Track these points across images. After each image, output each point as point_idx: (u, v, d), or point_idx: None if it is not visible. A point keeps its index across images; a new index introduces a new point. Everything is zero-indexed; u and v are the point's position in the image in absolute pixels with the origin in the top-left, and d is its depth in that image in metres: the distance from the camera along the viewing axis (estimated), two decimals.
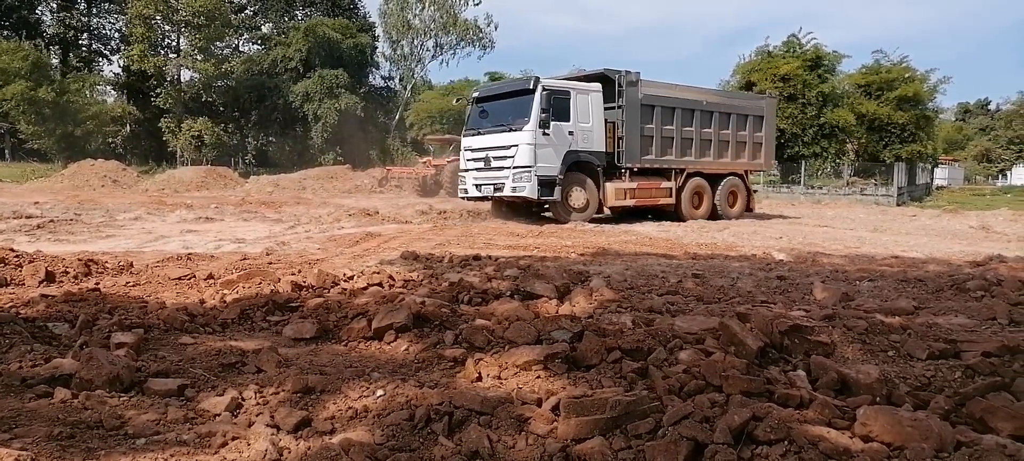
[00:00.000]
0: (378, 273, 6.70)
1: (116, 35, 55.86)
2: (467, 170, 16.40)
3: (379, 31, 57.96)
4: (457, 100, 17.91)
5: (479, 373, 3.71)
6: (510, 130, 15.18)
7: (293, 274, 6.65)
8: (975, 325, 5.04)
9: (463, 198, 17.01)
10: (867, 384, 3.36)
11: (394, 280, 6.52)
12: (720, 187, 18.31)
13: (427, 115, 50.01)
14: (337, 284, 6.16)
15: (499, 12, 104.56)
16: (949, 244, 13.02)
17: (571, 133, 15.40)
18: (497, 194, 15.66)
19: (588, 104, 15.79)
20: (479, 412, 3.09)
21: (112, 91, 55.33)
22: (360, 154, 49.87)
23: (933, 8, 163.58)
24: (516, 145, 14.96)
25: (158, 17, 47.48)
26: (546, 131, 14.91)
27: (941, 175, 55.75)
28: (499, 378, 3.63)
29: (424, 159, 31.40)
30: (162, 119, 48.42)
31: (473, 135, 16.37)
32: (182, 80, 51.54)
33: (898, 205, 31.24)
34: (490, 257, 8.72)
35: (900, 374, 3.79)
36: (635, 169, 16.54)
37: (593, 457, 2.72)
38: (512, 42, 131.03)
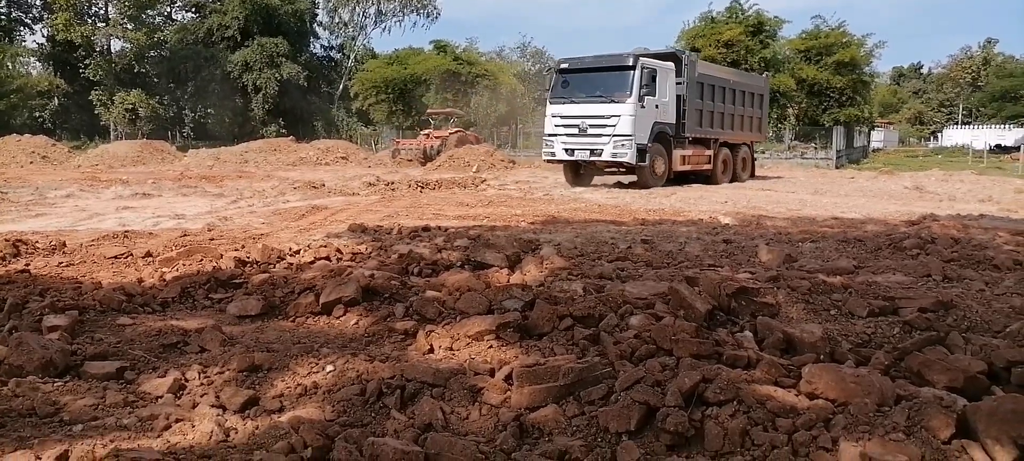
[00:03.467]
0: (325, 247, 6.57)
1: (38, 3, 52.98)
2: (555, 135, 17.65)
3: None
4: (546, 70, 19.31)
5: (431, 345, 3.68)
6: (610, 101, 16.60)
7: (236, 250, 6.46)
8: (912, 282, 5.23)
9: (548, 160, 18.50)
10: (811, 342, 3.44)
11: (342, 253, 6.41)
12: (737, 155, 20.90)
13: (371, 85, 48.96)
14: (283, 259, 6.02)
15: None
16: (885, 205, 13.47)
17: (657, 106, 17.10)
18: (594, 158, 17.08)
19: (667, 81, 17.50)
20: (432, 384, 3.06)
21: (37, 62, 52.64)
22: (304, 125, 48.81)
23: None
24: (619, 115, 16.43)
25: None
26: (643, 104, 16.56)
27: (877, 138, 57.50)
28: (451, 349, 3.60)
29: (425, 131, 32.53)
30: (93, 92, 46.34)
31: (563, 103, 17.60)
32: (113, 50, 49.34)
33: (837, 168, 32.14)
34: (440, 228, 8.65)
35: (842, 332, 3.90)
36: (689, 139, 18.47)
37: (547, 425, 2.72)
38: (456, 10, 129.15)
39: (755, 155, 23.03)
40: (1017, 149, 38.51)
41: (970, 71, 69.46)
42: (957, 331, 3.71)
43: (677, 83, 17.91)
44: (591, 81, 17.30)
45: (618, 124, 16.47)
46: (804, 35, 41.84)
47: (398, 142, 33.67)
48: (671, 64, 17.87)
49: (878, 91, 58.44)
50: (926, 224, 8.93)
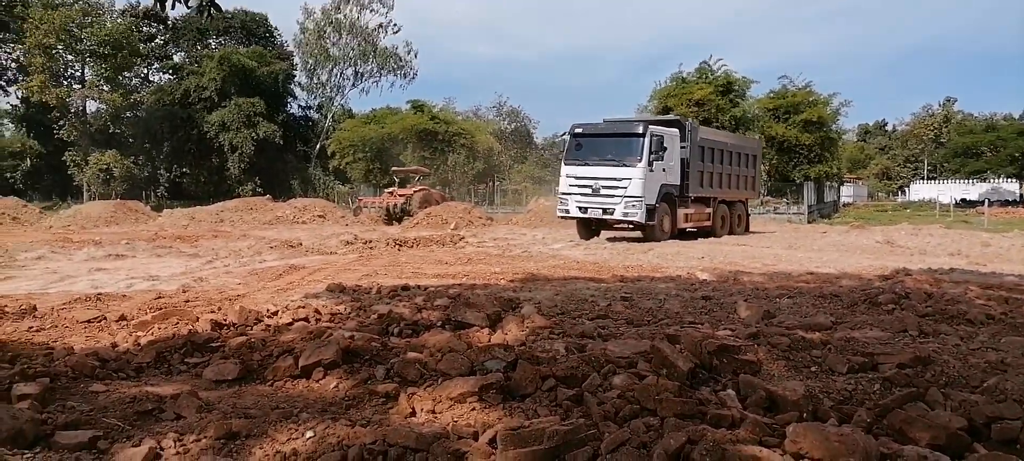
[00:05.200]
0: (303, 307, 6.50)
1: (13, 65, 52.76)
2: (569, 194, 19.02)
3: (296, 60, 57.03)
4: (558, 136, 20.95)
5: (413, 408, 3.63)
6: (621, 165, 17.98)
7: (212, 312, 6.37)
8: (889, 337, 5.29)
9: (562, 216, 19.73)
10: (794, 400, 3.45)
11: (321, 314, 6.34)
12: (734, 211, 22.57)
13: (349, 144, 49.16)
14: (260, 321, 5.94)
15: (418, 40, 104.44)
16: (858, 259, 13.68)
17: (664, 170, 18.57)
18: (606, 216, 18.49)
19: (673, 146, 18.90)
20: (414, 449, 3.01)
21: (10, 124, 52.18)
22: (280, 184, 48.66)
23: (832, 35, 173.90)
24: (630, 178, 17.85)
25: (60, 47, 45.06)
26: (651, 168, 17.98)
27: (847, 192, 58.78)
28: (433, 412, 3.56)
29: (389, 189, 32.35)
30: (66, 152, 45.95)
31: (577, 165, 19.00)
32: (88, 111, 49.13)
33: (809, 222, 32.68)
34: (419, 287, 8.62)
35: (823, 389, 3.92)
36: (692, 198, 20.03)
37: None
38: (433, 70, 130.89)
39: (749, 212, 24.88)
40: (982, 203, 39.48)
41: (932, 128, 71.64)
42: (936, 387, 3.75)
43: (681, 147, 19.41)
44: (603, 145, 18.72)
45: (629, 186, 17.86)
46: (772, 94, 42.93)
47: (361, 200, 33.47)
48: (676, 130, 19.41)
49: (846, 148, 59.86)
50: (899, 278, 9.08)
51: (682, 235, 19.72)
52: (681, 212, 19.54)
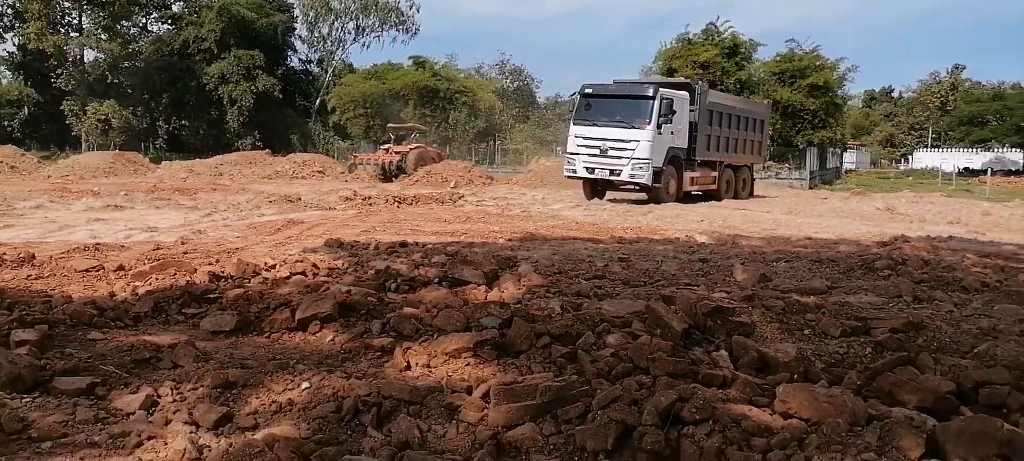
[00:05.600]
0: (301, 262, 6.53)
1: (9, 11, 52.08)
2: (577, 154, 19.02)
3: (297, 12, 56.30)
4: (571, 94, 20.46)
5: (408, 362, 3.67)
6: (630, 127, 17.99)
7: (210, 264, 6.39)
8: (883, 303, 5.32)
9: (569, 176, 19.74)
10: (785, 362, 3.49)
11: (318, 269, 6.36)
12: (739, 176, 22.65)
13: (350, 99, 48.74)
14: (258, 274, 5.96)
15: None
16: (858, 225, 13.69)
17: (672, 133, 18.61)
18: (612, 177, 18.63)
19: (682, 109, 18.98)
20: (408, 402, 3.05)
21: (7, 71, 51.68)
22: (280, 138, 48.45)
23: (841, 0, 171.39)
24: (638, 140, 17.88)
25: None
26: (660, 131, 18.03)
27: (850, 159, 58.54)
28: (428, 367, 3.59)
29: (385, 146, 31.61)
30: (64, 102, 45.52)
31: (586, 125, 18.92)
32: (86, 61, 48.58)
33: (810, 188, 32.61)
34: (417, 244, 8.63)
35: (816, 351, 3.96)
36: (699, 161, 20.05)
37: (524, 444, 2.72)
38: (435, 26, 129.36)
39: (754, 176, 25.04)
40: (985, 172, 39.37)
41: (939, 96, 71.06)
42: (927, 352, 3.78)
43: (690, 110, 19.46)
44: (613, 106, 18.78)
45: (637, 148, 17.94)
46: (778, 58, 42.47)
47: (355, 156, 32.72)
48: (686, 93, 19.48)
49: (850, 114, 59.49)
50: (897, 245, 9.09)
51: (687, 198, 19.78)
52: (687, 175, 19.61)
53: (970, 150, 59.59)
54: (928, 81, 75.13)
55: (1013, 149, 57.90)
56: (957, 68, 73.85)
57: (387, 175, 28.28)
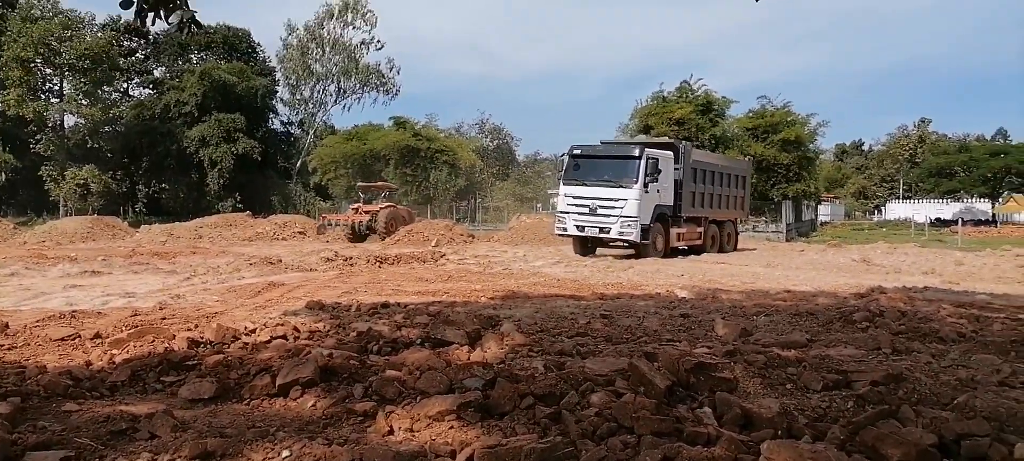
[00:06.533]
0: (282, 325, 6.47)
1: None
2: (567, 212, 19.64)
3: (279, 75, 56.92)
4: (562, 155, 20.87)
5: (391, 426, 3.62)
6: (618, 185, 18.67)
7: (189, 329, 6.32)
8: (863, 355, 5.36)
9: (560, 234, 20.45)
10: (768, 418, 3.49)
11: (299, 332, 6.31)
12: (723, 230, 23.35)
13: (331, 160, 49.07)
14: (238, 338, 5.89)
15: (402, 57, 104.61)
16: (835, 277, 13.85)
17: (659, 191, 19.25)
18: (602, 234, 19.15)
19: (667, 168, 19.56)
20: None
21: None
22: (261, 200, 48.33)
23: (810, 56, 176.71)
24: (626, 199, 18.53)
25: (38, 60, 44.56)
26: (647, 190, 18.65)
27: (824, 211, 59.53)
28: (412, 431, 3.55)
29: (354, 206, 31.28)
30: (43, 167, 45.28)
31: (575, 185, 19.61)
32: (66, 126, 48.57)
33: (787, 240, 33.05)
34: (399, 304, 8.60)
35: (798, 406, 3.97)
36: (685, 217, 20.70)
37: None
38: (415, 87, 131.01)
39: (738, 230, 25.83)
40: (955, 222, 40.14)
41: (907, 148, 72.81)
42: (908, 404, 3.81)
43: (675, 169, 20.14)
44: (601, 166, 19.48)
45: (625, 207, 18.58)
46: (751, 114, 43.51)
47: (324, 217, 31.90)
48: (670, 153, 20.22)
49: (823, 167, 60.65)
50: (874, 296, 9.21)
51: (674, 252, 20.35)
52: (674, 231, 20.17)
53: (940, 200, 60.81)
54: (896, 134, 77.12)
55: (981, 199, 59.18)
56: (924, 121, 75.99)
57: (357, 235, 27.95)
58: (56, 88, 48.49)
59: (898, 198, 68.53)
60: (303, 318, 7.38)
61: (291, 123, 60.27)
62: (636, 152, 19.00)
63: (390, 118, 53.65)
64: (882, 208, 69.23)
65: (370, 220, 28.55)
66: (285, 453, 3.24)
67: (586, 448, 3.04)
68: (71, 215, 37.99)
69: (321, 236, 28.65)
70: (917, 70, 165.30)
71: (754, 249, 24.43)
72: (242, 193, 48.01)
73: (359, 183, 35.89)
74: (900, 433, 3.18)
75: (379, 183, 35.98)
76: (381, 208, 29.34)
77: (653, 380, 3.96)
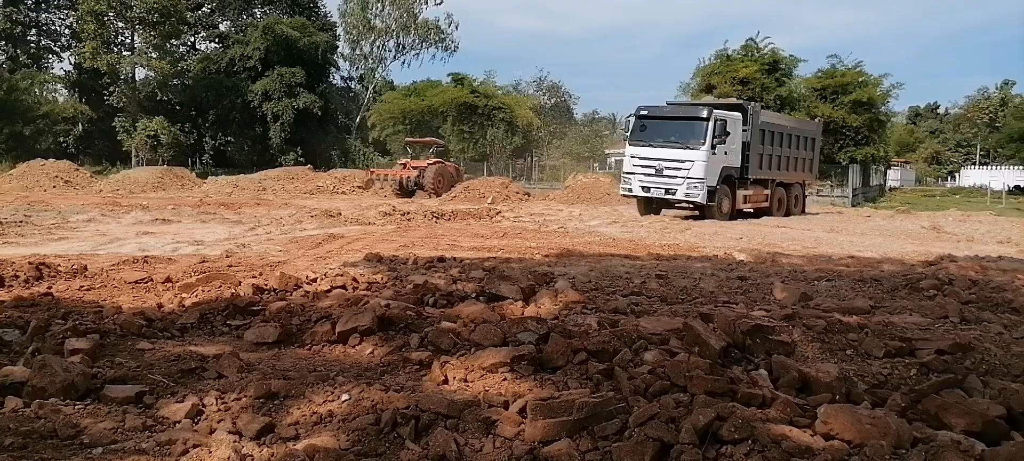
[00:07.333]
0: (341, 275, 6.63)
1: (66, 32, 54.05)
2: (632, 173, 19.65)
3: (339, 31, 57.43)
4: (628, 115, 21.13)
5: (445, 376, 3.70)
6: (685, 147, 18.52)
7: (254, 277, 6.54)
8: (929, 323, 5.19)
9: (625, 195, 20.60)
10: (827, 382, 3.43)
11: (358, 283, 6.46)
12: (791, 193, 22.93)
13: (389, 116, 49.47)
14: (300, 287, 6.07)
15: (460, 13, 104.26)
16: (902, 244, 13.38)
17: (726, 153, 19.07)
18: (668, 196, 19.11)
19: (735, 130, 19.34)
20: (446, 415, 3.07)
21: (63, 89, 53.64)
22: (321, 154, 49.24)
23: (884, 12, 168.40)
24: (693, 160, 18.38)
25: (111, 13, 45.95)
26: (714, 151, 18.50)
27: (894, 177, 57.22)
28: (465, 381, 3.62)
29: (402, 161, 31.28)
30: (116, 118, 47.07)
31: (642, 146, 19.54)
32: (137, 79, 50.20)
33: (853, 206, 31.98)
34: (455, 259, 8.70)
35: (858, 372, 3.88)
36: (751, 180, 20.45)
37: (560, 459, 2.73)
38: (474, 43, 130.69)
39: (806, 193, 25.37)
40: None
41: (987, 112, 69.18)
42: (975, 374, 3.68)
43: (743, 130, 19.80)
44: (668, 128, 19.30)
45: (692, 168, 18.44)
46: (820, 74, 41.81)
47: (372, 172, 32.07)
48: (739, 114, 19.84)
49: (895, 130, 58.18)
50: (944, 265, 8.87)
51: (739, 215, 20.05)
52: (740, 193, 19.97)
53: (1021, 168, 57.77)
54: (976, 97, 73.24)
55: None
56: (1007, 83, 71.88)
57: (404, 190, 27.98)
58: (127, 41, 50.09)
59: (974, 164, 65.38)
60: (362, 269, 7.55)
61: (351, 79, 61.02)
62: (704, 114, 18.79)
63: (448, 75, 53.71)
64: (956, 174, 66.21)
65: (418, 176, 28.51)
66: (344, 397, 3.35)
67: (638, 404, 3.04)
68: (142, 165, 39.49)
69: (368, 191, 28.78)
70: (1001, 28, 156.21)
71: (817, 214, 23.75)
72: (303, 147, 48.96)
73: (406, 139, 35.79)
74: (965, 403, 3.08)
75: (427, 138, 35.83)
76: (429, 164, 29.32)
77: (708, 340, 3.93)
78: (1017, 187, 48.42)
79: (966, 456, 2.48)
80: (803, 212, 23.76)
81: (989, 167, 61.36)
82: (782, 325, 4.60)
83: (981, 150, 67.12)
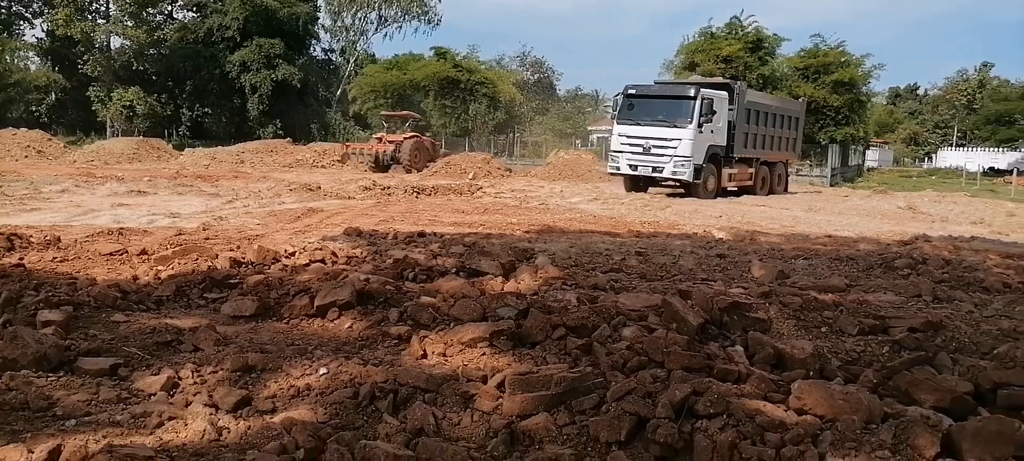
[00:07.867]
0: (320, 249, 6.59)
1: None
2: (620, 151, 19.93)
3: (321, 1, 56.52)
4: (616, 94, 21.24)
5: (424, 350, 3.70)
6: (672, 125, 18.73)
7: (231, 250, 6.48)
8: (902, 302, 5.27)
9: (613, 173, 20.76)
10: (801, 359, 3.48)
11: (337, 257, 6.42)
12: (774, 172, 23.29)
13: (371, 89, 48.89)
14: (278, 260, 6.03)
15: None
16: (879, 224, 13.55)
17: (712, 132, 19.30)
18: (655, 174, 19.44)
19: (721, 108, 19.59)
20: (424, 389, 3.08)
21: (35, 57, 52.42)
22: (300, 127, 48.67)
23: None
24: (680, 139, 18.64)
25: None
26: (701, 130, 18.70)
27: (872, 157, 57.69)
28: (444, 355, 3.62)
29: (378, 136, 30.57)
30: (90, 88, 46.12)
31: (630, 124, 19.81)
32: (112, 47, 49.16)
33: (831, 186, 32.31)
34: (435, 234, 8.67)
35: (832, 349, 3.94)
36: (736, 159, 20.65)
37: (538, 433, 2.75)
38: (458, 17, 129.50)
39: (789, 172, 25.73)
40: (1010, 172, 38.72)
41: (966, 93, 69.86)
42: (945, 352, 3.75)
43: (729, 109, 20.05)
44: (655, 106, 19.53)
45: (679, 146, 18.69)
46: (802, 53, 41.92)
47: (348, 146, 31.27)
48: (725, 93, 20.07)
49: (874, 111, 58.62)
50: (918, 244, 9.00)
51: (724, 193, 20.31)
52: (726, 172, 20.19)
53: (996, 149, 58.56)
54: (955, 78, 73.88)
55: None
56: (985, 66, 72.49)
57: (380, 165, 27.52)
58: (102, 9, 48.97)
59: (951, 145, 66.17)
60: (341, 244, 7.50)
61: (332, 51, 60.12)
62: (691, 92, 18.95)
63: (431, 48, 53.12)
64: (933, 155, 66.96)
65: (394, 150, 28.01)
66: (322, 371, 3.34)
67: (616, 379, 3.07)
68: (118, 136, 38.82)
69: (344, 165, 28.36)
70: (981, 11, 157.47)
71: (796, 193, 24.01)
72: (282, 120, 48.34)
73: (382, 113, 35.23)
74: (935, 379, 3.14)
75: (403, 112, 35.05)
76: (405, 138, 28.71)
77: (686, 317, 3.96)
78: (992, 168, 49.12)
79: (934, 431, 2.53)
80: (786, 190, 24.10)
81: (965, 149, 62.10)
82: (759, 302, 4.65)
83: (958, 132, 67.90)
